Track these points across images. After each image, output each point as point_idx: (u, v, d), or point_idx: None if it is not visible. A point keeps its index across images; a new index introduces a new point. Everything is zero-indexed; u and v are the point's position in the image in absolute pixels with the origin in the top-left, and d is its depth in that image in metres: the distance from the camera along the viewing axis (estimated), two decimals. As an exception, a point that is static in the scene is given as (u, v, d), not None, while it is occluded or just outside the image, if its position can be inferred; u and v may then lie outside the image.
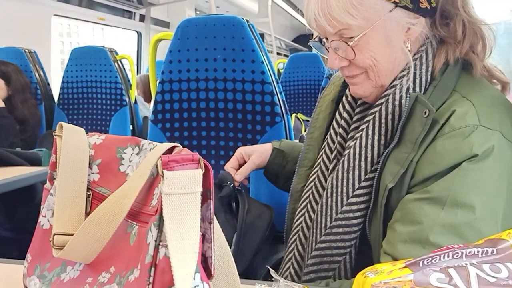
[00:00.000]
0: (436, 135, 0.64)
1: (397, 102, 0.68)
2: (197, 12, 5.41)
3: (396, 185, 0.65)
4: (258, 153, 0.97)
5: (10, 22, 2.72)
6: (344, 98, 0.81)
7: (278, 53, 8.59)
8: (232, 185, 0.94)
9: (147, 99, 3.09)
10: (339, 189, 0.71)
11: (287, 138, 1.28)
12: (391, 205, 0.66)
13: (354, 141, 0.71)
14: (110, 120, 2.38)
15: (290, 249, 0.81)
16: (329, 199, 0.72)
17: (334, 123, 0.80)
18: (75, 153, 0.61)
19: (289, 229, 0.85)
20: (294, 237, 0.80)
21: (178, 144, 0.59)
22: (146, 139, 1.91)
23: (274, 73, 1.29)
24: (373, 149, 0.69)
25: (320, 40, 0.76)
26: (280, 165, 0.97)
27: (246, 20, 1.26)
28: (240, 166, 0.97)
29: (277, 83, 1.28)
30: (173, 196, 0.42)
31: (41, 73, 2.43)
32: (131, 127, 2.38)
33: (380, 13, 0.65)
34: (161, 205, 0.44)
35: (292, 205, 0.86)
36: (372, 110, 0.71)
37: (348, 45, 0.67)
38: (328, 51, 0.72)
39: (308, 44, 0.84)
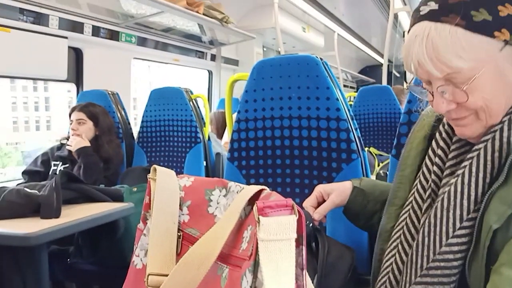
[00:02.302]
0: None
1: (505, 139, 0.65)
2: (265, 49, 5.54)
3: (502, 226, 0.61)
4: (337, 192, 0.95)
5: (96, 67, 2.96)
6: (437, 135, 0.78)
7: (344, 85, 8.55)
8: (311, 224, 0.93)
9: (220, 135, 3.19)
10: (438, 228, 0.68)
11: (363, 175, 1.26)
12: (495, 247, 0.62)
13: (456, 178, 0.68)
14: (185, 156, 2.47)
15: None
16: (426, 238, 0.70)
17: (427, 160, 0.78)
18: (168, 196, 0.64)
19: (376, 270, 0.82)
20: (384, 279, 0.77)
21: (266, 187, 0.60)
22: (219, 175, 1.97)
23: (349, 109, 1.28)
24: (477, 187, 0.66)
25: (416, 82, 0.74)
26: (361, 204, 0.95)
27: (320, 58, 1.27)
28: (319, 204, 0.96)
29: (352, 119, 1.27)
30: (269, 243, 0.42)
31: (123, 113, 2.60)
32: (204, 163, 2.46)
33: (492, 53, 0.63)
34: (256, 250, 0.45)
35: (380, 245, 0.83)
36: (476, 147, 0.68)
37: (462, 89, 0.65)
38: (432, 95, 0.69)
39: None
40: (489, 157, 0.66)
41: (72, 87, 2.94)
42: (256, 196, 0.58)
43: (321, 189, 0.97)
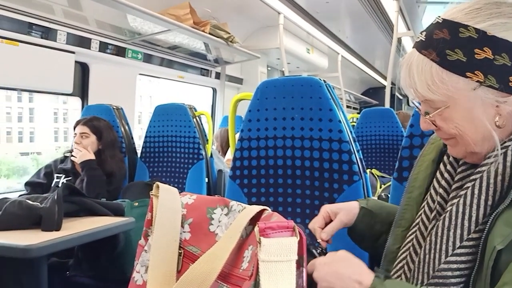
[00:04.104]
0: None
1: (508, 164, 0.67)
2: (269, 69, 5.59)
3: (506, 247, 0.62)
4: (345, 211, 0.95)
5: (102, 82, 2.99)
6: (445, 157, 0.80)
7: (347, 106, 8.59)
8: (317, 250, 0.91)
9: (224, 152, 3.21)
10: (438, 246, 0.70)
11: (365, 197, 1.26)
12: (499, 268, 0.63)
13: (458, 199, 0.70)
14: (187, 173, 2.48)
15: None
16: (427, 256, 0.71)
17: (435, 183, 0.80)
18: (170, 213, 0.64)
19: None
20: None
21: (267, 208, 0.60)
22: (221, 192, 1.96)
23: (351, 131, 1.29)
24: (479, 208, 0.67)
25: None
26: (368, 224, 0.95)
27: (324, 80, 1.29)
28: (326, 224, 0.95)
29: (355, 141, 1.28)
30: (270, 264, 0.43)
31: (126, 128, 2.62)
32: (206, 180, 2.46)
33: (463, 91, 0.67)
34: (257, 271, 0.45)
35: (386, 266, 0.84)
36: (479, 169, 0.70)
37: (430, 117, 0.71)
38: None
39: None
40: (491, 180, 0.67)
41: (77, 101, 2.97)
42: (257, 216, 0.58)
43: (328, 209, 0.96)
